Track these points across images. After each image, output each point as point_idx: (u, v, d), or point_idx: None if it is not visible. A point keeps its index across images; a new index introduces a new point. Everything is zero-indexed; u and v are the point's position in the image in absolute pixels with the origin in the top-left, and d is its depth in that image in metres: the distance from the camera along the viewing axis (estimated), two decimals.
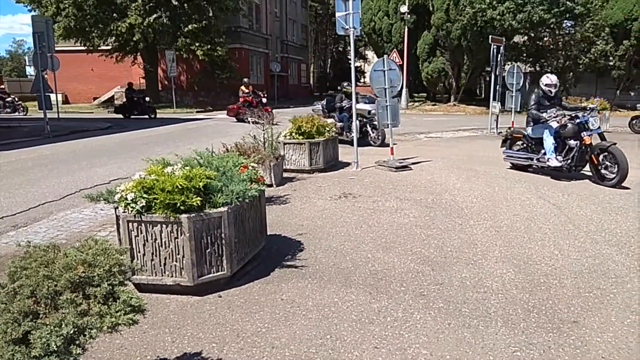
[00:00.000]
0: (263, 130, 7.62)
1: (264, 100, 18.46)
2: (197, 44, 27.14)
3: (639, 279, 3.83)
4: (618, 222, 5.39)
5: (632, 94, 25.52)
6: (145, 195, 3.40)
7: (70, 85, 32.90)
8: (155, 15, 26.07)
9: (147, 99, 22.47)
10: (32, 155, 10.92)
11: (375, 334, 3.01)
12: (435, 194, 6.79)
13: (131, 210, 3.40)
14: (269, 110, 12.08)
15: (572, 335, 2.98)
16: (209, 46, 27.44)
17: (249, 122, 8.78)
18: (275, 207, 6.11)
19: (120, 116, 22.12)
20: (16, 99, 24.94)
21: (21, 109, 24.35)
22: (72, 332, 1.89)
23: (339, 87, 13.37)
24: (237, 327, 3.11)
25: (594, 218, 5.55)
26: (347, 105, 11.72)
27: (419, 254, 4.44)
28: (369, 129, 12.23)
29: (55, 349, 1.83)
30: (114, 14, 26.83)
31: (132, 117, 21.72)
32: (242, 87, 18.71)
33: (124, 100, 23.01)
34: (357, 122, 9.41)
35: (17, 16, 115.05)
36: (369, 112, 12.47)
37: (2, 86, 26.59)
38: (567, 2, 23.53)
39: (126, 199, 3.41)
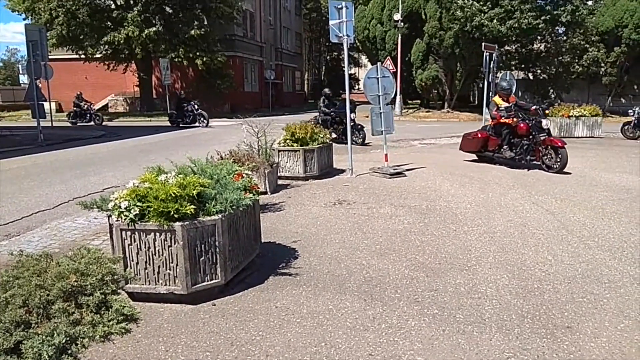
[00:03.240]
0: (257, 138, 7.62)
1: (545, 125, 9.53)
2: (196, 52, 27.16)
3: (632, 284, 3.85)
4: (611, 227, 5.43)
5: (624, 100, 25.78)
6: (139, 204, 3.39)
7: (64, 94, 32.70)
8: (154, 29, 26.07)
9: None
10: (26, 164, 10.87)
11: (370, 341, 3.00)
12: (429, 200, 6.81)
13: (124, 219, 3.38)
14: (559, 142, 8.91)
15: (565, 340, 2.99)
16: (209, 55, 27.47)
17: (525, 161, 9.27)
18: (269, 214, 6.11)
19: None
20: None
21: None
22: (64, 341, 1.89)
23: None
24: (231, 336, 3.09)
25: (587, 223, 5.58)
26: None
27: (414, 260, 4.44)
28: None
29: (47, 359, 1.82)
30: (109, 22, 26.81)
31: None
32: (496, 99, 9.83)
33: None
34: (349, 126, 9.44)
35: (9, 24, 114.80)
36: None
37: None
38: (554, 11, 23.75)
39: (120, 206, 3.39)
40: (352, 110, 12.71)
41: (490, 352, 2.86)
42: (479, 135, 10.11)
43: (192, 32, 26.56)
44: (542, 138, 8.97)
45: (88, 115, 23.32)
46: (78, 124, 22.95)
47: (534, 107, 9.49)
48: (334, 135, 13.26)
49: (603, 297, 3.59)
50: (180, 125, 21.22)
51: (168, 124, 21.80)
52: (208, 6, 27.57)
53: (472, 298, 3.60)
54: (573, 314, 3.34)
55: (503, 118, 9.40)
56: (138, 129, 20.25)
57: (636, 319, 3.26)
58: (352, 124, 12.31)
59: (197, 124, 21.16)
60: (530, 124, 9.08)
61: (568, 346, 2.92)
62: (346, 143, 11.63)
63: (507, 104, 9.47)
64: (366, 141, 13.71)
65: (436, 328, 3.16)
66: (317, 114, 14.58)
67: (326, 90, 15.11)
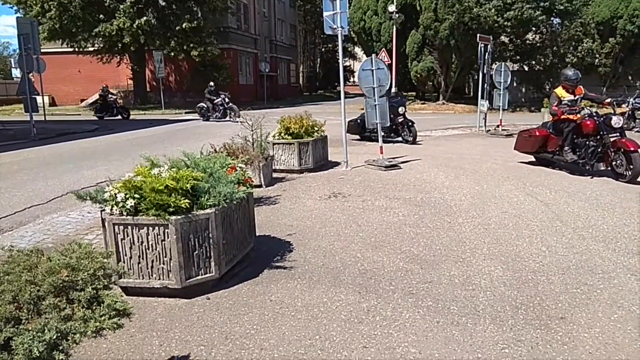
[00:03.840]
0: (252, 131, 7.58)
1: None
2: (190, 44, 26.90)
3: (626, 274, 3.86)
4: (605, 218, 5.45)
5: (618, 91, 25.82)
6: (135, 196, 3.37)
7: (57, 87, 32.54)
8: (145, 18, 25.79)
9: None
10: (18, 159, 10.79)
11: (365, 333, 3.01)
12: (424, 193, 6.81)
13: (121, 209, 3.36)
14: None
15: (559, 331, 3.00)
16: (202, 48, 27.24)
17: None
18: (264, 207, 6.09)
19: None
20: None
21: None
22: (55, 337, 1.86)
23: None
24: (225, 329, 3.09)
25: (581, 214, 5.60)
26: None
27: (408, 252, 4.44)
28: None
29: (38, 355, 1.80)
30: (101, 15, 26.56)
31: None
32: (559, 90, 8.31)
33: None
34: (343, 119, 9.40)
35: (1, 18, 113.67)
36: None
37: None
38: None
39: (115, 197, 3.37)
40: (402, 104, 12.32)
41: (485, 343, 2.87)
42: (537, 133, 8.68)
43: (184, 24, 26.31)
44: (612, 139, 7.45)
45: (114, 108, 22.16)
46: (105, 118, 21.86)
47: (607, 100, 8.17)
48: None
49: (597, 288, 3.61)
50: (210, 119, 19.93)
51: (161, 117, 21.69)
52: None
53: (467, 290, 3.61)
54: (567, 304, 3.35)
55: (565, 114, 7.94)
56: (131, 123, 20.12)
57: (629, 309, 3.28)
58: (402, 119, 12.13)
59: (227, 119, 19.51)
60: (598, 122, 7.59)
61: (562, 337, 2.93)
62: (395, 141, 11.22)
63: (571, 97, 8.06)
64: (417, 139, 12.47)
65: (430, 320, 3.16)
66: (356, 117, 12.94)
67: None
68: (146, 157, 3.79)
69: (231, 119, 19.08)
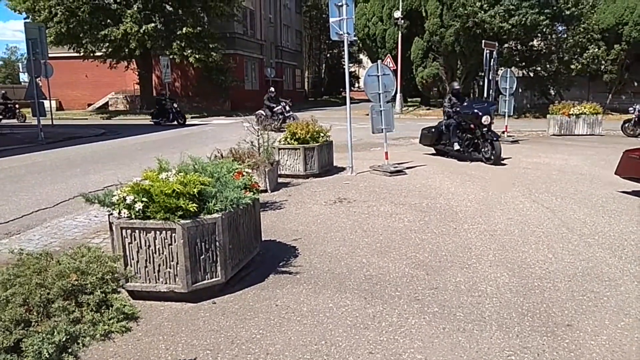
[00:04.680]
0: (258, 136, 7.62)
1: None
2: (189, 50, 27.01)
3: (632, 282, 3.85)
4: (611, 225, 5.43)
5: (624, 97, 25.74)
6: (144, 199, 3.39)
7: (64, 92, 32.75)
8: (152, 25, 25.96)
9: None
10: (26, 163, 10.87)
11: (370, 339, 3.01)
12: (429, 198, 6.81)
13: (130, 212, 3.38)
14: None
15: (566, 338, 2.99)
16: (203, 53, 27.31)
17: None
18: (270, 212, 6.11)
19: None
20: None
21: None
22: (64, 340, 1.88)
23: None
24: (231, 334, 3.10)
25: (587, 221, 5.58)
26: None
27: (414, 258, 4.44)
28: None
29: (48, 357, 1.82)
30: (108, 20, 26.77)
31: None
32: None
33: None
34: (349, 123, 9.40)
35: (8, 23, 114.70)
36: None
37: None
38: (556, 5, 23.70)
39: (125, 200, 3.40)
40: (487, 112, 9.57)
41: (491, 350, 2.86)
42: None
43: (184, 29, 26.40)
44: None
45: (171, 114, 21.68)
46: (161, 123, 21.52)
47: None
48: (456, 147, 9.95)
49: (603, 295, 3.60)
50: (267, 128, 20.15)
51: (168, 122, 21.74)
52: (207, 5, 27.52)
53: (472, 296, 3.60)
54: (573, 312, 3.34)
55: None
56: (138, 127, 20.23)
57: (636, 317, 3.26)
58: (485, 131, 9.61)
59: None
60: None
61: (568, 344, 2.92)
62: (474, 159, 9.81)
63: None
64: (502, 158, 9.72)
65: (436, 326, 3.16)
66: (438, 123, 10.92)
67: (454, 84, 11.24)
68: (162, 159, 3.81)
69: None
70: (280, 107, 18.05)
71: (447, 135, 10.40)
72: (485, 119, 9.47)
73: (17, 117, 24.23)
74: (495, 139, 9.58)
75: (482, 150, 9.72)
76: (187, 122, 21.90)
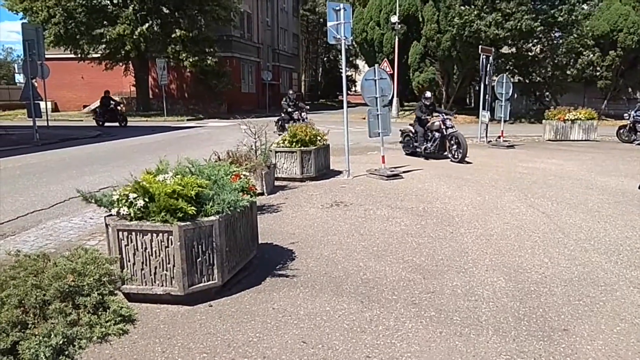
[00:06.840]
0: (255, 139, 7.61)
1: None
2: (184, 54, 26.96)
3: (628, 287, 3.86)
4: (607, 230, 5.45)
5: (619, 103, 25.88)
6: (146, 199, 3.38)
7: (60, 93, 32.66)
8: (147, 25, 25.91)
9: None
10: (21, 164, 10.81)
11: (367, 343, 3.00)
12: (426, 202, 6.82)
13: (130, 209, 3.37)
14: None
15: (562, 343, 3.00)
16: (197, 57, 27.26)
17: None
18: (266, 215, 6.10)
19: None
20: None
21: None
22: (61, 342, 1.88)
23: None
24: (228, 337, 3.09)
25: (583, 226, 5.60)
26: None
27: (411, 262, 4.44)
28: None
29: None
30: (105, 22, 26.72)
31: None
32: None
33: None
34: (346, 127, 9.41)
35: (3, 23, 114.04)
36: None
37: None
38: (551, 11, 23.84)
39: (128, 197, 3.38)
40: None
41: (487, 354, 2.87)
42: None
43: (179, 32, 26.37)
44: None
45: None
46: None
47: None
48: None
49: (599, 300, 3.61)
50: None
51: (164, 124, 21.68)
52: (204, 8, 27.53)
53: (469, 300, 3.61)
54: (569, 316, 3.35)
55: None
56: (134, 129, 20.16)
57: (632, 322, 3.27)
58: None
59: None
60: None
61: (565, 349, 2.93)
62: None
63: None
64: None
65: (433, 330, 3.16)
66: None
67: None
68: (163, 160, 3.80)
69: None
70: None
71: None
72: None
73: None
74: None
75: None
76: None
